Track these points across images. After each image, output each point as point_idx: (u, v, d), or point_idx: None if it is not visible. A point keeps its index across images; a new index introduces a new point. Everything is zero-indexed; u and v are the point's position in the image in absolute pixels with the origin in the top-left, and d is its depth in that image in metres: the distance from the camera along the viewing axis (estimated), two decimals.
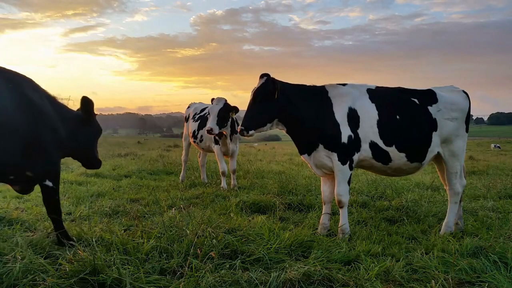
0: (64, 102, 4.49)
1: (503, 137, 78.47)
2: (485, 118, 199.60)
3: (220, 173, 8.55)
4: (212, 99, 8.03)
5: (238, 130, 4.74)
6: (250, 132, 4.67)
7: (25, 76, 3.97)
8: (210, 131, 7.53)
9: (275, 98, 4.68)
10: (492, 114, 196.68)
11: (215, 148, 8.56)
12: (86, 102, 4.49)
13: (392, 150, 4.85)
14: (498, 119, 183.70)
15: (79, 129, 4.42)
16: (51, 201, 4.16)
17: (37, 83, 4.07)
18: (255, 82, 4.89)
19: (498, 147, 38.88)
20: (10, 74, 3.84)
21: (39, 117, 3.84)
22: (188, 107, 9.91)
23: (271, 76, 4.81)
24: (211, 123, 7.58)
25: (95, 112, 4.61)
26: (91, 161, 4.85)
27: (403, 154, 4.89)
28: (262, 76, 4.84)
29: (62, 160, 4.43)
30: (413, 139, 4.91)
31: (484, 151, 33.42)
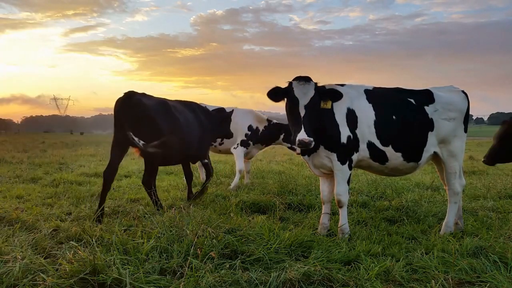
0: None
1: None
2: (485, 118, 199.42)
3: (237, 171, 8.54)
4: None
5: (304, 141, 4.26)
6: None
7: (192, 102, 6.92)
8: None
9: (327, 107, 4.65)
10: (492, 114, 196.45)
11: (241, 149, 8.78)
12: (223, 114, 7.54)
13: (389, 150, 4.86)
14: (498, 119, 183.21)
15: (218, 123, 7.23)
16: (209, 170, 7.16)
17: (196, 103, 7.02)
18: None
19: None
20: (188, 103, 6.75)
21: (203, 126, 6.65)
22: None
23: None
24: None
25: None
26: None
27: (399, 154, 4.89)
28: (305, 79, 4.55)
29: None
30: (409, 138, 4.92)
31: (484, 151, 33.22)
